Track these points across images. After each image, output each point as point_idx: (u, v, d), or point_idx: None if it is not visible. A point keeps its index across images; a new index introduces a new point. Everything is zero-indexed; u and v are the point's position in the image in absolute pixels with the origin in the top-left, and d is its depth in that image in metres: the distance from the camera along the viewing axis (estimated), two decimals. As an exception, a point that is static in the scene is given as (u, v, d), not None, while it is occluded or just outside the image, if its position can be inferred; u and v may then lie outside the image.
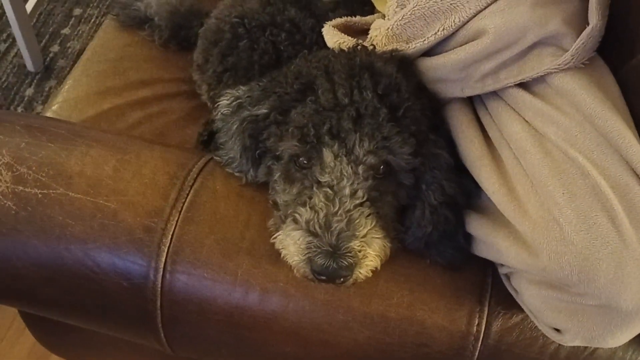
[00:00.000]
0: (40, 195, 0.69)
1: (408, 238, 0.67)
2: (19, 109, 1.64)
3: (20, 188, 0.69)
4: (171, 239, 0.67)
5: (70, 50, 1.78)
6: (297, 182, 0.65)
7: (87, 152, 0.73)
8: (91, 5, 1.88)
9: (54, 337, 1.06)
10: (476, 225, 0.64)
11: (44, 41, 1.79)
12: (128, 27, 1.14)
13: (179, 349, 0.74)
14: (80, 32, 1.82)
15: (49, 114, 1.01)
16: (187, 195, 0.70)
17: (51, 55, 1.77)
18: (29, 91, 1.68)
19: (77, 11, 1.87)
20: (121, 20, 1.13)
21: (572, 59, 0.60)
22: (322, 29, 0.81)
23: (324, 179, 0.63)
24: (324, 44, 0.81)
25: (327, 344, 0.67)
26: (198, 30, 1.04)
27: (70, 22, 1.84)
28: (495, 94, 0.66)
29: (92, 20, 1.85)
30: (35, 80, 1.70)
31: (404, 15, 0.69)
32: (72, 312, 0.76)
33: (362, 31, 0.83)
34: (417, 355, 0.66)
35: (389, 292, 0.65)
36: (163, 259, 0.67)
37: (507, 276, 0.64)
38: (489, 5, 0.64)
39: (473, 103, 0.70)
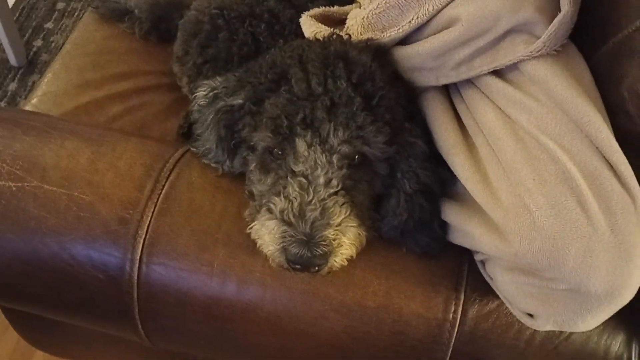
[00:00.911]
0: (14, 189, 0.69)
1: (384, 227, 0.67)
2: (2, 104, 1.62)
3: (-6, 181, 0.69)
4: (147, 230, 0.67)
5: (53, 44, 1.77)
6: (272, 172, 0.65)
7: (62, 144, 0.72)
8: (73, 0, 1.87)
9: (38, 333, 1.06)
10: (451, 213, 0.64)
11: (27, 35, 1.77)
12: (108, 20, 1.13)
13: (158, 341, 0.74)
14: (63, 26, 1.81)
15: (28, 108, 1.00)
16: (163, 186, 0.70)
17: (34, 49, 1.75)
18: (12, 86, 1.66)
19: (60, 5, 1.86)
20: (101, 13, 1.12)
21: (544, 46, 0.60)
22: (300, 19, 0.81)
23: (298, 168, 0.63)
24: (302, 35, 0.81)
25: (304, 333, 0.67)
26: (178, 22, 1.03)
27: (54, 16, 1.83)
28: (469, 82, 0.66)
29: (76, 14, 1.84)
30: (18, 75, 1.68)
31: (378, 4, 0.69)
32: (50, 306, 0.76)
33: (340, 21, 0.83)
34: (394, 343, 0.66)
35: (366, 281, 0.66)
36: (139, 251, 0.67)
37: (482, 262, 0.65)
38: (462, -6, 0.64)
39: (448, 91, 0.70)
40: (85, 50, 1.08)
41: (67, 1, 1.86)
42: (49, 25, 1.81)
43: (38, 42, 1.77)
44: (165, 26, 1.08)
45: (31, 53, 1.74)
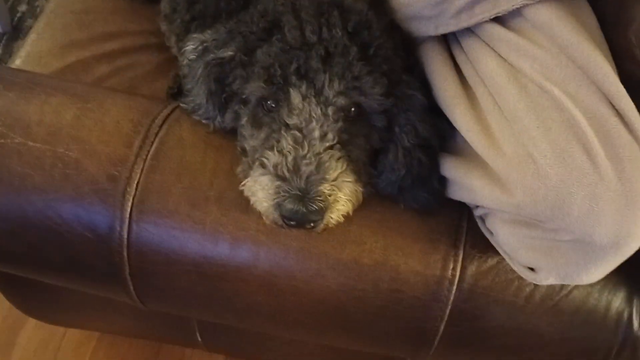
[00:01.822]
0: (-3, 146, 0.66)
1: (381, 182, 0.65)
2: (-13, 71, 1.58)
3: (-24, 138, 0.66)
4: (136, 188, 0.65)
5: (39, 9, 1.71)
6: (265, 126, 0.63)
7: (46, 100, 0.69)
8: (59, -38, 1.80)
9: (30, 300, 1.04)
10: (450, 167, 0.62)
11: (10, 2, 1.72)
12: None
13: (149, 301, 0.73)
14: (48, -10, 1.75)
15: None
16: (152, 143, 0.67)
17: (19, 14, 1.70)
18: (-3, 50, 1.62)
19: (44, -32, 1.80)
20: None
21: (549, -12, 0.57)
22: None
23: (292, 121, 0.60)
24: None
25: (299, 292, 0.66)
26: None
27: (38, -20, 1.77)
28: (469, 30, 0.64)
29: (61, -23, 1.77)
30: (3, 41, 1.63)
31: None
32: (38, 267, 0.73)
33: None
34: (392, 301, 0.65)
35: (362, 238, 0.64)
36: (128, 209, 0.64)
37: (482, 218, 0.63)
38: None
39: (448, 42, 0.67)
40: (70, 9, 1.04)
41: (52, -36, 1.80)
42: (33, -11, 1.75)
43: (22, 7, 1.71)
44: None
45: (16, 18, 1.69)
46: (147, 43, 1.01)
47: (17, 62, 0.97)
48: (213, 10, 0.85)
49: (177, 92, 0.78)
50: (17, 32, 1.66)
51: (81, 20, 1.02)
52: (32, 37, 1.01)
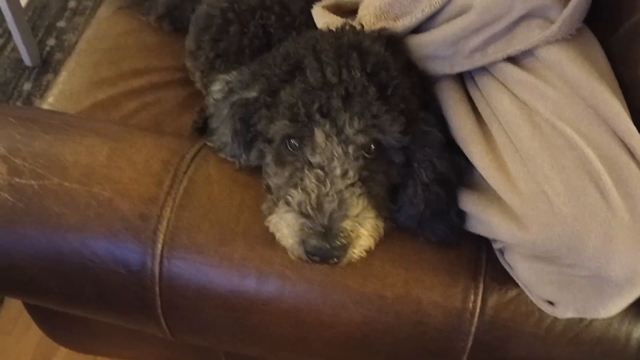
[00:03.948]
0: (36, 186, 0.70)
1: (401, 217, 0.67)
2: (18, 104, 1.64)
3: (16, 180, 0.70)
4: (167, 225, 0.68)
5: (66, 43, 1.78)
6: (289, 165, 0.65)
7: (80, 141, 0.73)
8: (86, -3, 1.88)
9: (61, 329, 1.08)
10: (468, 202, 0.64)
11: (40, 35, 1.79)
12: (122, 15, 1.14)
13: (179, 334, 0.75)
14: (76, 24, 1.82)
15: (45, 107, 1.01)
16: (181, 181, 0.70)
17: (48, 48, 1.77)
18: (27, 85, 1.68)
19: (72, 3, 1.87)
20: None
21: (559, 30, 0.59)
22: (312, 10, 0.81)
23: (315, 159, 0.63)
24: (314, 26, 0.81)
25: (324, 325, 0.68)
26: (191, 12, 1.04)
27: (66, 15, 1.84)
28: (484, 69, 0.66)
29: (87, 12, 1.85)
30: (32, 75, 1.70)
31: (392, -4, 0.69)
32: (73, 302, 0.77)
33: (351, 11, 0.82)
34: (414, 333, 0.67)
35: (384, 271, 0.66)
36: (159, 246, 0.67)
37: (501, 251, 0.65)
38: (475, -20, 0.63)
39: (463, 79, 0.69)
40: (99, 47, 1.09)
41: (78, 0, 1.87)
42: (61, 24, 1.82)
43: (51, 41, 1.78)
44: (178, 14, 1.08)
45: (45, 52, 1.76)
46: (172, 78, 1.05)
47: (50, 100, 1.02)
48: (236, 48, 0.89)
49: (202, 127, 0.81)
50: (46, 65, 1.73)
51: (110, 57, 1.07)
52: (63, 74, 1.06)
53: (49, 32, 1.80)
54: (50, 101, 1.02)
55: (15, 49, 1.72)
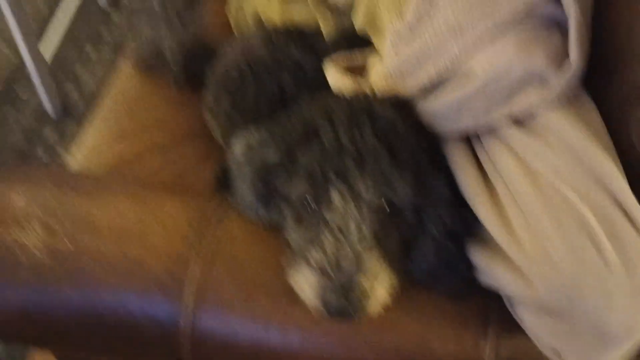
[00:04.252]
0: (71, 248, 0.75)
1: (414, 271, 0.71)
2: (42, 153, 1.71)
3: (54, 243, 0.75)
4: (194, 283, 0.72)
5: (87, 92, 1.86)
6: (307, 223, 0.70)
7: (112, 203, 0.78)
8: (104, 46, 1.96)
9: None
10: (477, 255, 0.68)
11: (61, 85, 1.87)
12: (142, 70, 1.20)
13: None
14: (96, 74, 1.90)
15: (72, 163, 1.07)
16: (207, 239, 0.75)
17: (69, 98, 1.84)
18: (50, 134, 1.75)
19: (92, 54, 1.95)
20: (138, 57, 1.18)
21: (557, 95, 0.64)
22: (324, 69, 0.86)
23: (332, 219, 0.67)
24: (327, 83, 0.86)
25: (345, 375, 0.71)
26: (207, 68, 1.09)
27: (86, 65, 1.92)
28: (489, 130, 0.70)
29: (107, 62, 1.93)
30: (55, 124, 1.77)
31: (399, 57, 0.74)
32: (107, 354, 0.81)
33: (361, 67, 0.88)
34: (431, 381, 0.70)
35: (400, 323, 0.70)
36: (189, 303, 0.72)
37: (510, 302, 0.68)
38: (475, 49, 0.68)
39: (470, 139, 0.74)
40: (122, 103, 1.15)
41: (98, 50, 1.96)
42: (82, 73, 1.90)
43: (73, 93, 1.86)
44: (195, 70, 1.13)
45: (66, 102, 1.83)
46: (193, 131, 1.11)
47: (77, 157, 1.07)
48: (253, 104, 0.95)
49: (223, 180, 0.86)
50: (67, 115, 1.80)
51: (132, 113, 1.12)
52: (88, 130, 1.12)
53: (70, 82, 1.88)
54: (77, 157, 1.07)
55: (38, 99, 1.80)
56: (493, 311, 0.70)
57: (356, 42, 0.97)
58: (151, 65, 1.17)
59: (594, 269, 0.56)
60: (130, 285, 0.73)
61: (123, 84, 1.19)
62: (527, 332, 0.66)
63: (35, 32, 1.85)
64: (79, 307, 0.74)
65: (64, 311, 0.75)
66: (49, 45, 1.81)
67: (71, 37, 1.96)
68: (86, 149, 1.08)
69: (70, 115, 1.80)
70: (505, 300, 0.69)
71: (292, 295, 0.70)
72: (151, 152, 1.06)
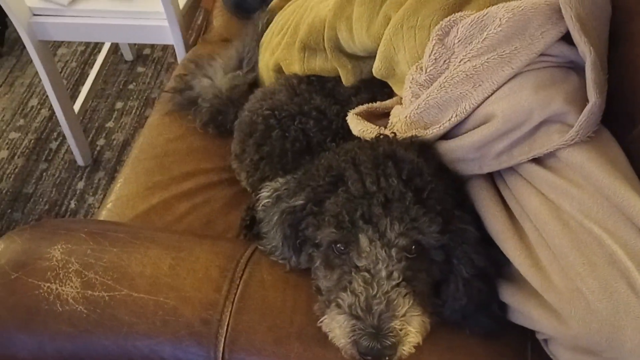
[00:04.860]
0: (107, 298, 0.76)
1: (445, 311, 0.71)
2: (72, 202, 1.76)
3: (89, 292, 0.77)
4: (227, 329, 0.73)
5: (115, 142, 1.92)
6: (337, 268, 0.71)
7: (145, 253, 0.80)
8: (131, 98, 2.04)
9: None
10: (508, 295, 0.68)
11: (90, 136, 1.94)
12: (170, 121, 1.24)
13: None
14: (123, 124, 1.97)
15: (104, 212, 1.10)
16: (238, 286, 0.76)
17: (98, 148, 1.90)
18: (80, 184, 1.81)
19: (118, 105, 2.03)
20: (174, 102, 1.23)
21: (577, 134, 0.65)
22: (347, 118, 0.89)
23: (361, 263, 0.68)
24: (349, 128, 0.88)
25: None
26: (233, 116, 1.13)
27: (114, 116, 1.99)
28: (512, 169, 0.71)
29: (133, 111, 2.00)
30: (85, 174, 1.83)
31: (419, 105, 0.76)
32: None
33: (383, 114, 0.90)
34: (466, 423, 0.69)
35: (433, 365, 0.69)
36: (221, 349, 0.72)
37: (545, 340, 0.68)
38: (494, 92, 0.70)
39: (493, 178, 0.75)
40: (151, 153, 1.19)
41: (125, 101, 2.03)
42: (109, 124, 1.97)
43: (101, 142, 1.92)
44: (222, 119, 1.17)
45: (95, 152, 1.89)
46: (220, 179, 1.14)
47: (109, 206, 1.11)
48: (279, 151, 0.97)
49: (249, 224, 0.88)
50: (97, 165, 1.86)
51: (161, 163, 1.16)
52: (120, 181, 1.16)
53: (99, 132, 1.95)
54: (109, 207, 1.11)
55: (69, 150, 1.86)
56: (529, 351, 0.69)
57: (376, 87, 1.00)
58: (185, 107, 1.22)
59: (629, 307, 0.55)
60: (164, 334, 0.74)
61: (152, 137, 1.23)
62: (564, 371, 0.65)
63: (66, 88, 1.93)
64: (114, 355, 0.75)
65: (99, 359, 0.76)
66: (79, 99, 1.88)
67: (99, 90, 2.04)
68: (117, 200, 1.12)
69: (99, 164, 1.85)
70: (540, 339, 0.68)
71: (323, 341, 0.70)
72: (179, 199, 1.09)
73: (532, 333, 0.71)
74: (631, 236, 0.59)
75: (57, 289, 0.77)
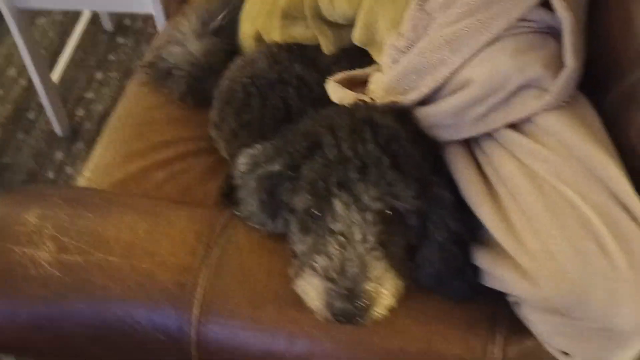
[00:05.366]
0: (82, 262, 0.76)
1: (420, 275, 0.72)
2: (51, 172, 1.74)
3: (64, 256, 0.76)
4: (202, 293, 0.73)
5: (94, 113, 1.89)
6: (312, 232, 0.71)
7: (121, 218, 0.80)
8: (111, 69, 2.00)
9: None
10: (482, 258, 0.68)
11: (69, 106, 1.90)
12: (149, 90, 1.22)
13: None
14: (102, 94, 1.94)
15: (82, 180, 1.09)
16: (214, 250, 0.76)
17: (77, 119, 1.88)
18: (59, 155, 1.78)
19: (98, 76, 1.99)
20: (148, 74, 1.20)
21: (554, 99, 0.65)
22: (326, 85, 0.88)
23: (336, 227, 0.68)
24: (329, 97, 0.87)
25: (353, 380, 0.72)
26: (212, 86, 1.12)
27: (93, 87, 1.96)
28: (488, 135, 0.72)
29: (113, 83, 1.96)
30: (63, 144, 1.80)
31: (398, 71, 0.76)
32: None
33: (362, 82, 0.89)
34: (439, 385, 0.70)
35: (406, 328, 0.70)
36: (196, 313, 0.73)
37: (516, 303, 0.69)
38: (472, 57, 0.70)
39: (470, 144, 0.75)
40: (129, 122, 1.17)
41: (105, 72, 2.00)
42: (89, 95, 1.94)
43: (80, 112, 1.89)
44: (200, 88, 1.15)
45: (74, 123, 1.86)
46: (198, 147, 1.12)
47: (86, 174, 1.09)
48: (258, 119, 0.96)
49: (228, 192, 0.88)
50: (75, 135, 1.83)
51: (139, 131, 1.15)
52: (98, 150, 1.14)
53: (78, 103, 1.91)
54: (87, 175, 1.09)
55: (47, 121, 1.83)
56: (500, 314, 0.70)
57: (356, 56, 0.99)
58: (159, 83, 1.20)
59: (599, 269, 0.56)
60: (139, 297, 0.74)
61: (131, 107, 1.21)
62: (535, 333, 0.66)
63: (45, 58, 1.89)
64: (88, 319, 0.75)
65: (73, 323, 0.76)
66: (58, 69, 1.84)
67: (78, 60, 2.01)
68: (95, 169, 1.11)
69: (78, 135, 1.83)
70: (511, 303, 0.69)
71: (298, 304, 0.71)
72: (157, 167, 1.08)
73: (505, 299, 0.72)
74: (603, 199, 0.59)
75: (31, 253, 0.77)
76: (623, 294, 0.56)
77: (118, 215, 0.80)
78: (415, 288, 0.72)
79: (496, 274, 0.66)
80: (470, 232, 0.71)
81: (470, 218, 0.71)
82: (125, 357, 0.78)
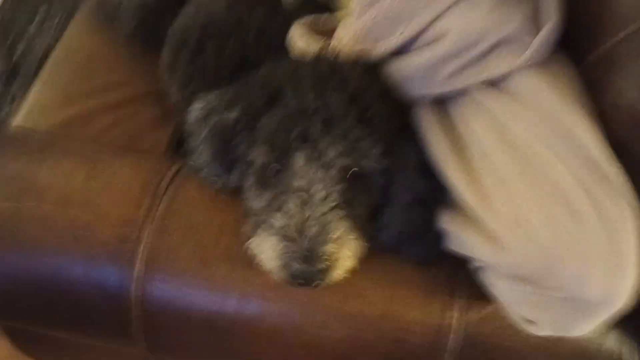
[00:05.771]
0: (11, 210, 0.69)
1: (382, 237, 0.68)
2: (-13, 113, 1.61)
3: (-9, 203, 0.69)
4: (146, 248, 0.67)
5: (36, 48, 1.75)
6: (270, 188, 0.66)
7: (57, 163, 0.72)
8: (55, 3, 1.85)
9: (31, 343, 1.06)
10: (448, 222, 0.65)
11: (9, 41, 1.75)
12: (95, 28, 1.12)
13: (161, 354, 0.75)
14: (45, 29, 1.79)
15: (17, 120, 0.99)
16: (161, 203, 0.70)
17: (18, 52, 1.73)
18: (-4, 94, 1.65)
19: (42, 9, 1.83)
20: (94, 13, 1.10)
21: (532, 57, 0.61)
22: (291, 29, 0.81)
23: (297, 183, 0.63)
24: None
25: (306, 344, 0.68)
26: (166, 24, 1.03)
27: (36, 20, 1.81)
28: (462, 93, 0.67)
29: (57, 18, 1.81)
30: (2, 79, 1.67)
31: (369, 17, 0.70)
32: (50, 323, 0.76)
33: (329, 30, 0.83)
34: (395, 349, 0.68)
35: (365, 290, 0.67)
36: (139, 269, 0.67)
37: (478, 269, 0.66)
38: (448, 8, 0.65)
39: (441, 104, 0.71)
40: (72, 60, 1.07)
41: (49, 6, 1.84)
42: (31, 29, 1.79)
43: (21, 46, 1.75)
44: (152, 25, 1.06)
45: (15, 57, 1.72)
46: (147, 91, 1.04)
47: (22, 113, 0.99)
48: (214, 64, 0.89)
49: (179, 142, 0.81)
50: (15, 71, 1.69)
51: (83, 71, 1.05)
52: (35, 89, 1.04)
53: (19, 37, 1.76)
54: (22, 114, 0.99)
55: (-17, 58, 1.68)
56: (461, 280, 0.68)
57: (322, 5, 0.93)
58: (106, 21, 1.10)
59: (570, 236, 0.54)
60: (75, 250, 0.67)
61: (75, 44, 1.11)
62: (500, 300, 0.64)
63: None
64: (19, 272, 0.69)
65: (3, 276, 0.70)
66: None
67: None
68: (32, 107, 1.00)
69: (18, 69, 1.69)
70: (473, 268, 0.67)
71: (251, 263, 0.66)
72: (102, 111, 0.99)
73: (465, 262, 0.69)
74: (579, 164, 0.56)
75: (-48, 198, 0.69)
76: (594, 264, 0.53)
77: (54, 161, 0.72)
78: (377, 250, 0.68)
79: (461, 237, 0.63)
80: (437, 194, 0.67)
81: (438, 180, 0.67)
82: (59, 314, 0.72)
